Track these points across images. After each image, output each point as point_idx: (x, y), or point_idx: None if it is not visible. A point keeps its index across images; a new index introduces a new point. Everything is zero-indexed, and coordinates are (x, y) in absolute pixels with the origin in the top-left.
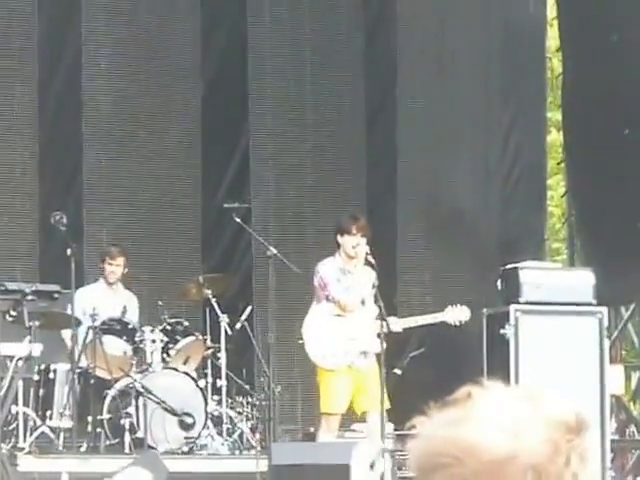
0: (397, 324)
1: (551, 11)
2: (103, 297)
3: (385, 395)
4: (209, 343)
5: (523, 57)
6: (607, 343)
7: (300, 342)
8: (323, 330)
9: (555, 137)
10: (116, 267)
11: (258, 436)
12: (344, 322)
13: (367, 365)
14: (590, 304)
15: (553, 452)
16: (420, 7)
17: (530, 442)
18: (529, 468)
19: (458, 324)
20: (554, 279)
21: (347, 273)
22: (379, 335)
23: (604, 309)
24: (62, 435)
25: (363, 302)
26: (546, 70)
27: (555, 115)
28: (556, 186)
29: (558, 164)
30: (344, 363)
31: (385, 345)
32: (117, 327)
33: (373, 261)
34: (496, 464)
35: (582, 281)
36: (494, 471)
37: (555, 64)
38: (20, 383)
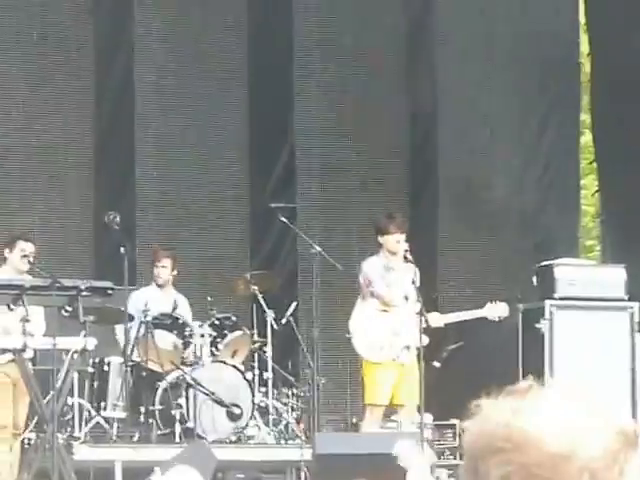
0: (439, 319)
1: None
2: (155, 297)
3: (417, 391)
4: (256, 337)
5: (557, 60)
6: (638, 337)
7: (348, 336)
8: (369, 325)
9: (588, 138)
10: (162, 269)
11: (302, 426)
12: (389, 317)
13: (410, 359)
14: (622, 299)
15: (611, 460)
16: (460, 12)
17: (590, 446)
18: (586, 471)
19: (497, 319)
20: (587, 275)
21: (390, 270)
22: (422, 330)
23: (635, 304)
24: (116, 425)
25: (406, 298)
26: (580, 73)
27: (588, 117)
28: (589, 186)
29: (590, 164)
30: (389, 357)
31: (428, 339)
32: (168, 322)
33: (411, 258)
34: (555, 458)
35: (614, 277)
36: (552, 465)
37: (586, 68)
38: (75, 375)
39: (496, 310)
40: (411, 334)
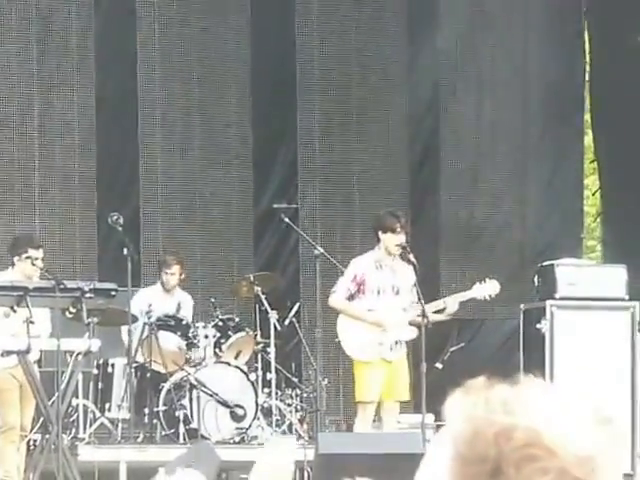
0: (427, 308)
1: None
2: (159, 298)
3: (407, 388)
4: (259, 338)
5: (561, 59)
6: (639, 336)
7: (337, 340)
8: (357, 324)
9: (589, 138)
10: (171, 276)
11: (305, 426)
12: (377, 315)
13: (398, 356)
14: (622, 299)
15: (613, 453)
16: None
17: (599, 442)
18: (604, 467)
19: (488, 298)
20: (588, 275)
21: (382, 267)
22: (422, 325)
23: (636, 304)
24: (120, 426)
25: (397, 292)
26: (585, 72)
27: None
28: (591, 186)
29: (590, 163)
30: (378, 355)
31: (424, 340)
32: (171, 323)
33: (413, 258)
34: (584, 459)
35: (615, 277)
36: (583, 466)
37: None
38: (80, 377)
39: (485, 289)
40: (400, 329)
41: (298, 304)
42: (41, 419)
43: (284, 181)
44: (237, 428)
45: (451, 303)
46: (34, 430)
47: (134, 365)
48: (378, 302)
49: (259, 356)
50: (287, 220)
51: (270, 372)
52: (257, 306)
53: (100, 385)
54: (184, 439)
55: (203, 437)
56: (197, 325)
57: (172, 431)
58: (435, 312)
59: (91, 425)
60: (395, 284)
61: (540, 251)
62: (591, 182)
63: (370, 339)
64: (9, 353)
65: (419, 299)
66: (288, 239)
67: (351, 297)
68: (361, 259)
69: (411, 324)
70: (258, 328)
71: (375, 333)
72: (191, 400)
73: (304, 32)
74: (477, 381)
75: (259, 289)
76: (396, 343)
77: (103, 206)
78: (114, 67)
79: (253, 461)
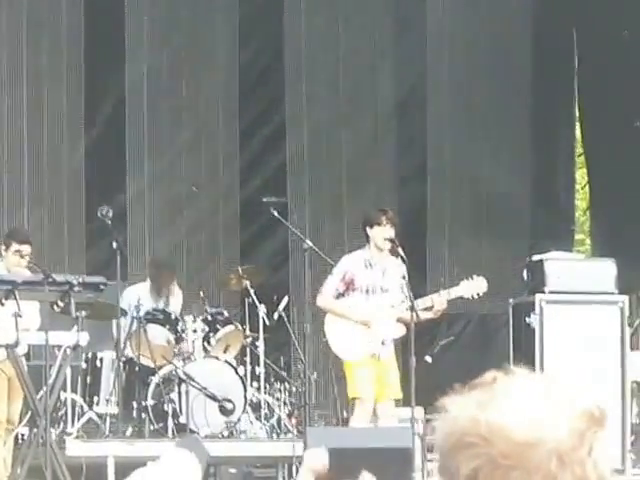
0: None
1: None
2: (149, 294)
3: (398, 386)
4: (248, 332)
5: (552, 50)
6: (629, 330)
7: (324, 340)
8: (344, 323)
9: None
10: (170, 286)
11: (294, 421)
12: (364, 312)
13: (387, 354)
14: (612, 293)
15: (578, 441)
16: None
17: (556, 430)
18: (554, 454)
19: (475, 296)
20: (578, 269)
21: (372, 266)
22: (411, 319)
23: (625, 298)
24: (108, 420)
25: (386, 291)
26: (575, 64)
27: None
28: (580, 180)
29: (578, 157)
30: (367, 353)
31: (413, 334)
32: (160, 317)
33: (402, 252)
34: (522, 447)
35: (604, 271)
36: (520, 454)
37: None
38: (68, 371)
39: (473, 287)
40: (387, 327)
41: (287, 298)
42: (29, 413)
43: (273, 174)
44: (226, 422)
45: (438, 301)
46: (22, 424)
47: (122, 359)
48: (367, 301)
49: (248, 350)
50: (276, 214)
51: (259, 366)
52: (245, 300)
53: (88, 379)
54: (173, 433)
55: (192, 431)
56: (186, 319)
57: (161, 425)
58: (423, 309)
59: (79, 419)
60: (384, 284)
61: (530, 245)
62: (580, 176)
63: (357, 338)
64: None
65: (408, 293)
66: (277, 233)
67: (340, 296)
68: (351, 257)
69: (399, 321)
70: (247, 322)
71: (362, 331)
72: (180, 394)
73: (294, 35)
74: (483, 377)
75: (248, 283)
76: (383, 342)
77: (91, 200)
78: (102, 59)
79: (242, 455)
